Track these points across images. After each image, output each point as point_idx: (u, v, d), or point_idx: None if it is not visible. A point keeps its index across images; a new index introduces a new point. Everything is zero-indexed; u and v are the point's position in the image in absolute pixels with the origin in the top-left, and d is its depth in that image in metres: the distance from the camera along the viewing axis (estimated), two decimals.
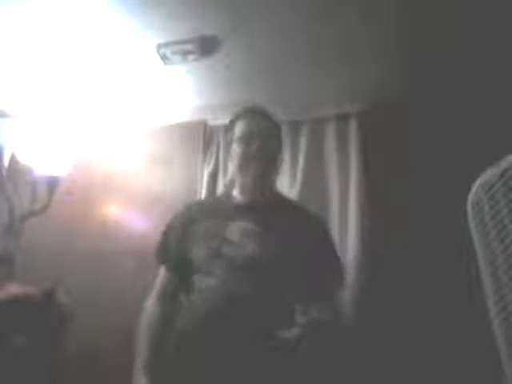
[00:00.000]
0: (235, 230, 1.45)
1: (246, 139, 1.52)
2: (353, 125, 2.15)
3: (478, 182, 0.96)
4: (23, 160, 2.16)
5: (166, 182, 2.43)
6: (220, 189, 2.25)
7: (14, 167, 2.20)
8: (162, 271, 1.59)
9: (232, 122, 1.62)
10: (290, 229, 1.46)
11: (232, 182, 1.64)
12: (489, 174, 0.93)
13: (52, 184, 2.12)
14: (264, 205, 1.53)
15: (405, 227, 1.95)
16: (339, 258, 1.55)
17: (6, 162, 2.12)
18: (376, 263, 1.89)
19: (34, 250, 2.26)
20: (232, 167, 1.59)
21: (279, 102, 2.21)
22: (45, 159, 2.09)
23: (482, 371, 1.41)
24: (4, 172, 2.10)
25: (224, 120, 2.38)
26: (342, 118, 2.18)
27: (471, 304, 1.34)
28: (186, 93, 2.26)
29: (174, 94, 2.28)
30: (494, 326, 0.86)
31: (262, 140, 1.51)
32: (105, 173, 2.52)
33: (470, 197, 0.97)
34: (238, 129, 1.56)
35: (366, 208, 1.99)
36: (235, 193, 1.59)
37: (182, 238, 1.52)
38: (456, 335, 1.73)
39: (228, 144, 1.63)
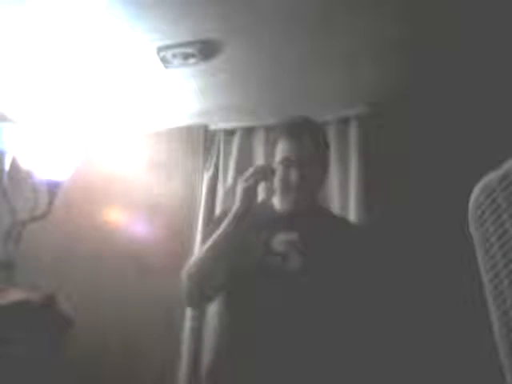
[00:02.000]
0: (281, 241, 1.43)
1: (287, 163, 1.46)
2: (353, 128, 2.15)
3: (478, 186, 0.94)
4: (24, 164, 2.16)
5: (166, 186, 2.43)
6: (220, 193, 2.25)
7: (15, 172, 2.19)
8: None
9: (275, 137, 1.55)
10: (331, 240, 1.47)
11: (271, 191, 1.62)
12: (490, 177, 0.92)
13: (53, 188, 2.12)
14: (307, 216, 1.51)
15: (405, 230, 1.94)
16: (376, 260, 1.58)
17: (6, 167, 2.11)
18: (375, 267, 1.88)
19: (35, 255, 2.26)
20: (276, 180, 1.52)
21: (280, 106, 2.21)
22: (46, 164, 2.09)
23: (483, 376, 1.40)
24: (5, 176, 2.10)
25: (225, 124, 2.39)
26: (342, 121, 2.18)
27: (472, 309, 1.33)
28: (186, 96, 2.25)
29: (175, 98, 2.27)
30: (494, 331, 0.85)
31: (303, 167, 1.44)
32: (105, 177, 2.52)
33: (471, 201, 0.95)
34: (280, 148, 1.49)
35: (367, 211, 1.99)
36: (276, 202, 1.57)
37: None
38: (456, 340, 1.73)
39: (270, 155, 1.56)
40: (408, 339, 1.79)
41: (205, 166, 2.38)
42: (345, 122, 2.19)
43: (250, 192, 1.37)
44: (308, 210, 1.54)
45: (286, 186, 1.47)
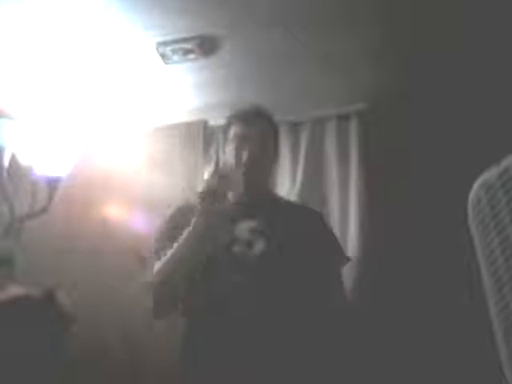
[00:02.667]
0: (244, 228, 1.44)
1: (238, 143, 1.51)
2: (353, 124, 2.15)
3: (478, 182, 0.94)
4: (24, 160, 2.16)
5: (166, 182, 2.42)
6: None
7: (15, 167, 2.19)
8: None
9: (228, 123, 1.61)
10: (291, 224, 1.49)
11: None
12: (489, 173, 0.92)
13: (52, 184, 2.12)
14: (263, 204, 1.54)
15: (405, 227, 1.94)
16: (339, 244, 1.61)
17: (6, 163, 2.11)
18: (376, 263, 1.88)
19: (35, 251, 2.25)
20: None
21: (279, 102, 2.20)
22: (45, 159, 2.09)
23: (482, 373, 1.40)
24: (4, 172, 2.10)
25: (224, 120, 2.38)
26: (343, 118, 2.18)
27: (471, 304, 1.33)
28: (185, 92, 2.25)
29: (174, 94, 2.27)
30: (494, 327, 0.85)
31: (254, 145, 1.49)
32: (105, 173, 2.51)
33: (471, 196, 0.95)
34: (232, 131, 1.55)
35: (367, 207, 1.99)
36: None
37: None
38: (455, 335, 1.73)
39: (226, 144, 1.61)
40: (398, 333, 1.80)
41: (204, 162, 2.38)
42: (345, 119, 2.18)
43: (211, 194, 1.35)
44: (263, 195, 1.58)
45: (237, 165, 1.49)
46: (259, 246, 1.41)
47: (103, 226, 2.41)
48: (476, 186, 0.94)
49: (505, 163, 0.90)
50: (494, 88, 1.94)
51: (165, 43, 1.87)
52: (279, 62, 1.98)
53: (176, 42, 1.86)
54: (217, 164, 2.30)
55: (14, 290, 1.74)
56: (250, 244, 1.42)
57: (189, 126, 2.48)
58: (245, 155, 1.48)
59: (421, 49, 1.83)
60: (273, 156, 1.61)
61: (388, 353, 1.76)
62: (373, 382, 1.69)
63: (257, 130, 1.53)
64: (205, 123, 2.45)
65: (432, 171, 2.00)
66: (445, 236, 1.84)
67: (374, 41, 1.80)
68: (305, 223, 1.52)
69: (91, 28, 1.80)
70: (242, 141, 1.51)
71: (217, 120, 2.40)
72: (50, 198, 2.11)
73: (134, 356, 2.15)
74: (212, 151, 2.39)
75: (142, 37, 1.84)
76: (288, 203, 1.69)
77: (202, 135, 2.43)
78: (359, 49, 1.85)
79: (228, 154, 1.55)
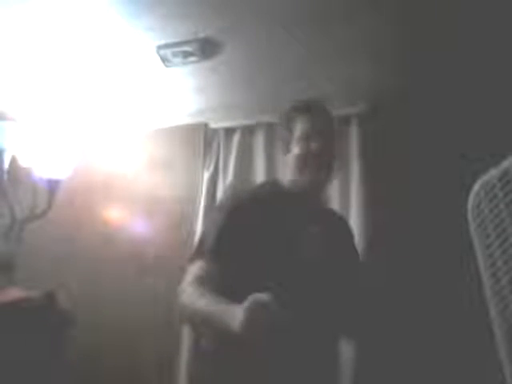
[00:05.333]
0: (309, 233, 1.36)
1: (307, 137, 1.42)
2: (353, 127, 2.14)
3: (478, 184, 0.94)
4: (24, 163, 2.16)
5: (167, 185, 2.43)
6: (220, 192, 2.24)
7: (15, 170, 2.19)
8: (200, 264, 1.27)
9: (290, 116, 1.51)
10: (340, 233, 1.54)
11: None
12: (489, 175, 0.92)
13: (53, 187, 2.12)
14: (323, 208, 1.57)
15: (405, 228, 1.94)
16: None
17: (6, 165, 2.11)
18: (376, 266, 1.88)
19: (35, 255, 2.26)
20: (288, 165, 1.46)
21: (279, 104, 2.20)
22: (45, 162, 2.09)
23: (482, 374, 1.40)
24: (5, 175, 2.10)
25: (225, 122, 2.39)
26: (343, 120, 2.17)
27: (471, 306, 1.33)
28: (186, 95, 2.25)
29: (175, 96, 2.27)
30: (493, 328, 0.85)
31: (324, 139, 1.42)
32: (105, 176, 2.51)
33: (471, 198, 0.95)
34: (300, 125, 1.45)
35: (367, 210, 1.98)
36: (291, 191, 1.46)
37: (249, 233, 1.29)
38: (455, 337, 1.73)
39: (284, 141, 1.50)
40: (408, 337, 1.79)
41: (205, 165, 2.38)
42: (345, 121, 2.17)
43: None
44: (322, 202, 1.57)
45: (304, 160, 1.41)
46: (322, 252, 1.36)
47: (103, 230, 2.41)
48: (476, 187, 0.95)
49: (505, 165, 0.90)
50: (493, 88, 1.94)
51: (165, 46, 1.88)
52: (279, 64, 1.98)
53: (176, 44, 1.86)
54: (216, 167, 2.30)
55: (14, 293, 1.75)
56: (315, 250, 1.34)
57: (189, 128, 2.48)
58: (314, 146, 1.40)
59: (420, 49, 1.83)
60: (336, 155, 1.52)
61: (388, 352, 1.75)
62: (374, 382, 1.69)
63: (325, 124, 1.47)
64: (205, 126, 2.45)
65: (432, 172, 1.99)
66: (445, 238, 1.84)
67: (373, 42, 1.79)
68: (347, 235, 1.61)
69: (92, 31, 1.80)
70: (309, 135, 1.42)
71: (218, 122, 2.41)
72: (51, 200, 2.11)
73: (133, 360, 2.14)
74: (212, 154, 2.39)
75: (143, 40, 1.85)
76: (332, 210, 1.74)
77: (202, 138, 2.43)
78: (359, 50, 1.85)
79: (295, 149, 1.44)
